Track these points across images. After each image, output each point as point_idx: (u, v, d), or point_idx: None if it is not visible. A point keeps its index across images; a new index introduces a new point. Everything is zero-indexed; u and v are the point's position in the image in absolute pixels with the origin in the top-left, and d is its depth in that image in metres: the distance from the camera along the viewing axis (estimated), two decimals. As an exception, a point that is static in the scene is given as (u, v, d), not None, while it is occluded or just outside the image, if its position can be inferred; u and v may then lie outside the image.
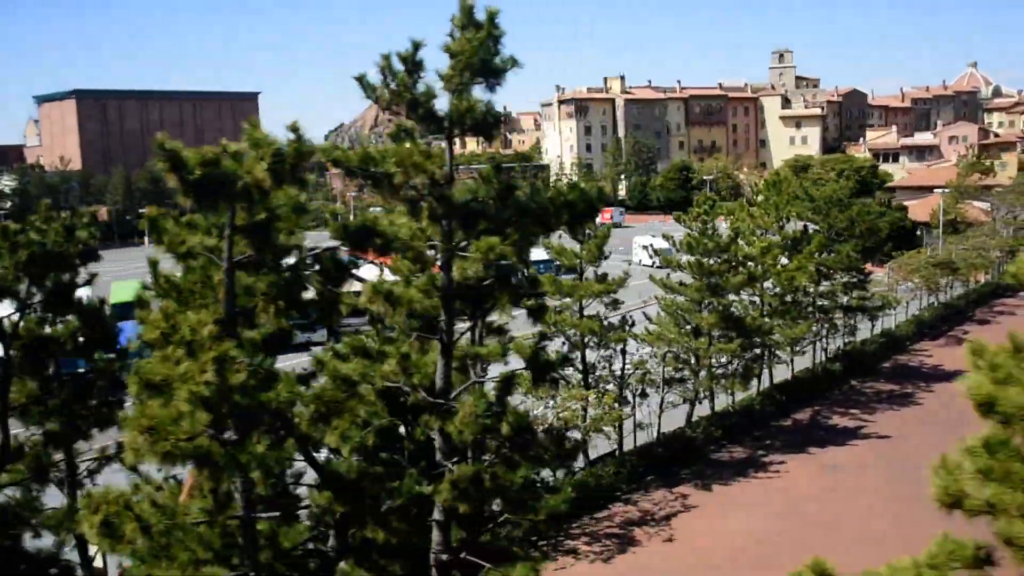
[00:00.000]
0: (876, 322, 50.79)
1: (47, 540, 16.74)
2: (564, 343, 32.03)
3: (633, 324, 33.25)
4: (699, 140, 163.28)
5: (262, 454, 9.08)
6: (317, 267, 10.69)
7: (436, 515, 13.20)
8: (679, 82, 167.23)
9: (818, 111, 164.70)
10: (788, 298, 40.54)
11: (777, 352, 40.67)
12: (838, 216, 45.07)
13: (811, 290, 43.04)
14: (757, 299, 39.92)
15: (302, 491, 13.66)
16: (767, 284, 40.35)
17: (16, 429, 17.53)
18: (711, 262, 34.89)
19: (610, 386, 32.15)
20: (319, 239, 16.13)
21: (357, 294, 13.60)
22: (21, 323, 16.25)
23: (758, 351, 38.59)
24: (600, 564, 26.28)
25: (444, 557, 13.26)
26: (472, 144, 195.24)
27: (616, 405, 30.47)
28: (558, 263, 34.01)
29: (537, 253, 56.89)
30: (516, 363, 14.93)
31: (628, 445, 33.21)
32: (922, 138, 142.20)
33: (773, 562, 25.09)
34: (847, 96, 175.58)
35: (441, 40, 12.33)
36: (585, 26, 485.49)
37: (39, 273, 15.38)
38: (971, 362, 6.75)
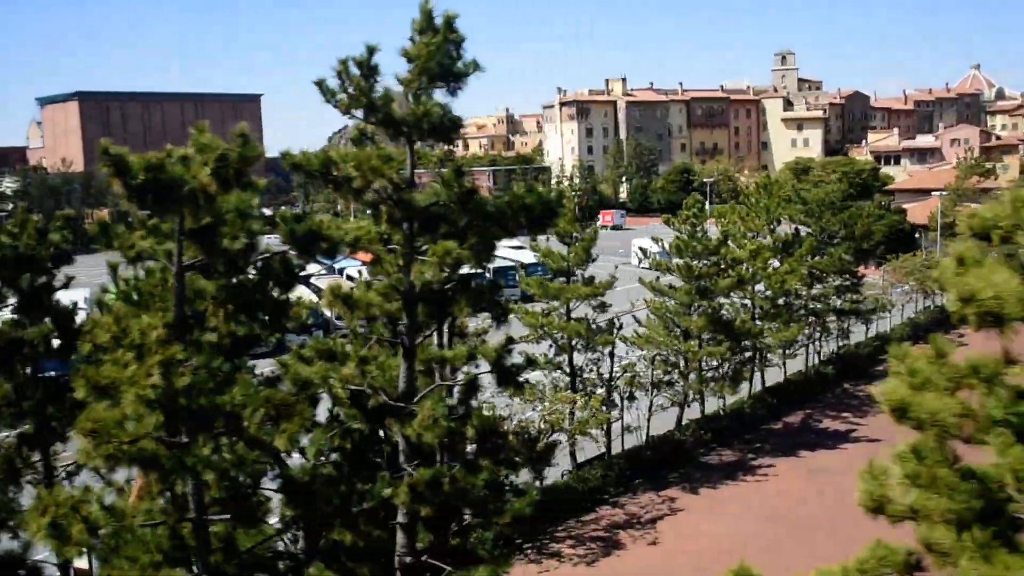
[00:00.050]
0: (870, 325, 50.72)
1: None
2: (551, 346, 32.11)
3: (621, 327, 33.28)
4: (701, 142, 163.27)
5: (208, 457, 9.15)
6: (266, 272, 10.75)
7: (400, 518, 13.27)
8: (681, 84, 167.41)
9: (820, 113, 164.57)
10: (780, 301, 40.51)
11: (768, 355, 40.64)
12: (831, 219, 45.05)
13: (803, 293, 43.02)
14: (748, 302, 39.91)
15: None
16: (759, 287, 40.34)
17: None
18: (700, 265, 34.90)
19: (599, 389, 32.17)
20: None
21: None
22: (-5, 325, 16.35)
23: (749, 354, 38.60)
24: (583, 567, 26.31)
25: (408, 560, 13.32)
26: (475, 147, 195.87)
27: (603, 408, 30.49)
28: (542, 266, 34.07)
29: (528, 256, 56.89)
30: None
31: (616, 448, 33.23)
32: (924, 140, 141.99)
33: (758, 564, 25.11)
34: (849, 98, 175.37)
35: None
36: (587, 27, 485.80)
37: (11, 276, 15.48)
38: (893, 367, 6.77)
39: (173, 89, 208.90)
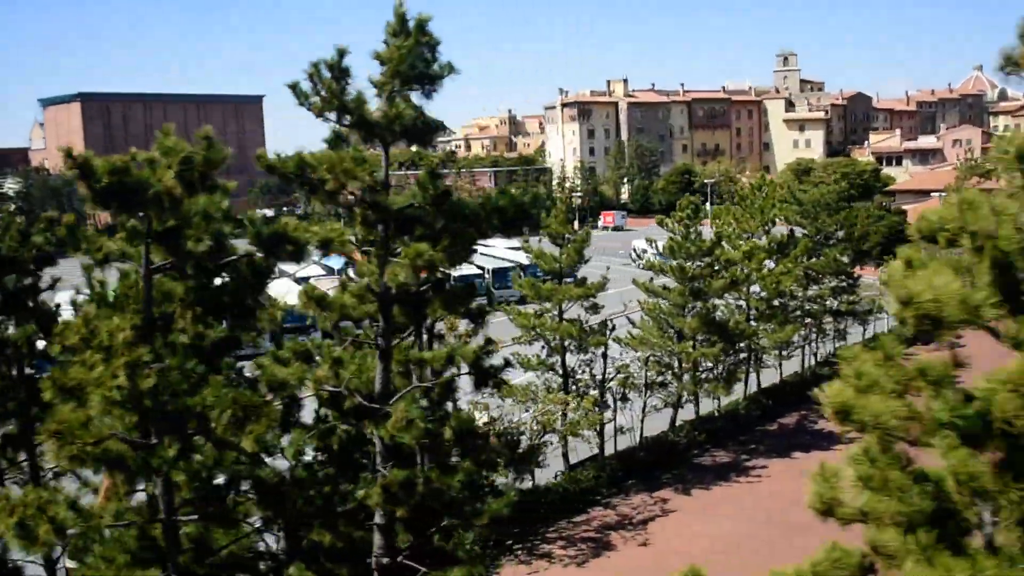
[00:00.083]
0: (867, 326, 50.67)
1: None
2: (544, 347, 32.15)
3: (614, 328, 33.29)
4: (702, 143, 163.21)
5: (174, 458, 9.19)
6: (234, 274, 10.81)
7: (378, 519, 13.32)
8: (682, 85, 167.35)
9: (822, 114, 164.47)
10: (775, 302, 40.49)
11: (763, 356, 40.64)
12: (826, 220, 45.02)
13: (799, 294, 43.00)
14: (743, 303, 39.89)
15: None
16: (754, 288, 40.32)
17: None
18: (693, 266, 34.90)
19: (592, 391, 32.19)
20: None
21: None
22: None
23: (744, 355, 38.59)
24: (573, 568, 26.34)
25: (385, 561, 13.37)
26: (477, 148, 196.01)
27: (595, 409, 30.52)
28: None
29: (522, 257, 56.86)
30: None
31: (610, 449, 33.25)
32: (925, 141, 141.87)
33: (749, 566, 25.10)
34: (852, 99, 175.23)
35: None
36: (588, 28, 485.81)
37: (-7, 277, 15.57)
38: (843, 369, 6.79)
39: (175, 90, 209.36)
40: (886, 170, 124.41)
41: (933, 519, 6.90)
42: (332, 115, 12.60)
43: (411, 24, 12.35)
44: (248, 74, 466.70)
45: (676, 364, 35.26)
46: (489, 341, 14.00)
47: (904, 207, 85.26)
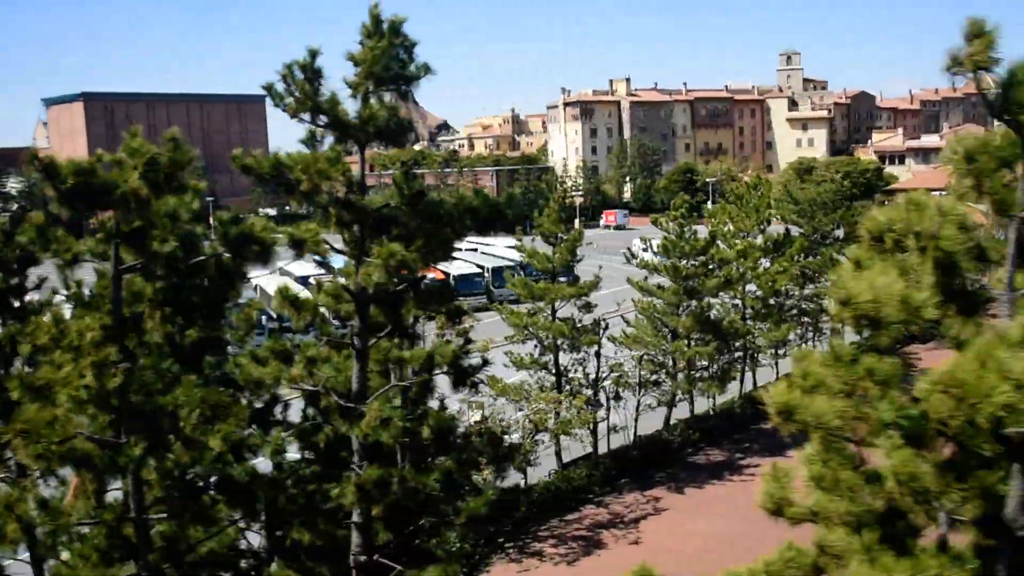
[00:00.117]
0: (865, 325, 50.56)
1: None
2: (537, 346, 32.20)
3: (607, 327, 33.32)
4: (705, 142, 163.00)
5: (141, 456, 9.26)
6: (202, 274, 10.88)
7: (355, 517, 13.38)
8: (685, 84, 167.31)
9: (825, 113, 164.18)
10: (770, 301, 40.47)
11: (759, 355, 40.60)
12: (823, 219, 44.96)
13: (795, 293, 42.94)
14: (739, 302, 39.88)
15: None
16: (749, 287, 40.30)
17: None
18: (687, 265, 34.90)
19: (586, 389, 32.24)
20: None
21: None
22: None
23: (739, 354, 38.58)
24: (564, 566, 26.39)
25: (363, 559, 13.43)
26: (480, 147, 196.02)
27: (587, 408, 30.56)
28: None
29: (518, 256, 56.84)
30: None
31: (603, 448, 33.28)
32: (928, 140, 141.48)
33: (742, 564, 25.13)
34: (855, 98, 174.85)
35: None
36: (591, 28, 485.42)
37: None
38: (793, 370, 6.81)
39: (178, 90, 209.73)
40: (889, 169, 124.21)
41: (883, 519, 6.93)
42: (307, 116, 12.69)
43: (385, 26, 12.39)
44: (251, 74, 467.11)
45: (670, 363, 35.27)
46: (468, 341, 14.04)
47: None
